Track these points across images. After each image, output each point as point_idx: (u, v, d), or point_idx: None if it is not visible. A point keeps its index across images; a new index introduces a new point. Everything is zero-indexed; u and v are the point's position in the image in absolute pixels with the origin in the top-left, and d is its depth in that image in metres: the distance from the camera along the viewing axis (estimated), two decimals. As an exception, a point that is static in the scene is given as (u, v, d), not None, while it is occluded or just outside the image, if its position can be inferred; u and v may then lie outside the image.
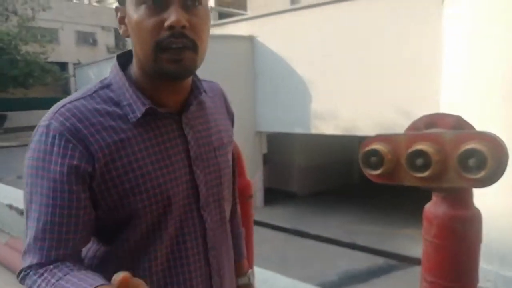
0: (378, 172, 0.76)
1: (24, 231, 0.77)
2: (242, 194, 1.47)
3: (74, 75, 19.35)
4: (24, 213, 0.78)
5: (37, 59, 18.96)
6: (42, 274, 0.71)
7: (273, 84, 8.94)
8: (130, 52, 0.84)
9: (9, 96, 19.87)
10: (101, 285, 0.63)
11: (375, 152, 0.76)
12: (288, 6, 8.46)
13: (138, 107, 0.78)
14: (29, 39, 18.76)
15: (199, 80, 0.88)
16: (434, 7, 6.04)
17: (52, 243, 0.73)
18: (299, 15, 8.20)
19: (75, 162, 0.73)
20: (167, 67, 0.75)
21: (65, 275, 0.69)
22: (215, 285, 0.88)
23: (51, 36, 21.04)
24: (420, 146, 0.71)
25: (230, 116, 1.01)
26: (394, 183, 0.77)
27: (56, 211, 0.72)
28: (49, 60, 19.88)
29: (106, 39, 26.31)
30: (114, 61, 0.84)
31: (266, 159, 10.00)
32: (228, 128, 0.98)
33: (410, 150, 0.72)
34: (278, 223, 8.22)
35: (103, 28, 26.09)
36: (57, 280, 0.68)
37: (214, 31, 10.69)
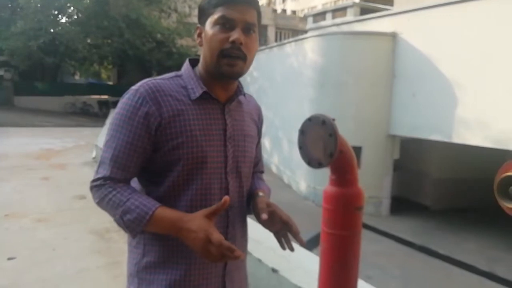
0: (519, 206, 0.55)
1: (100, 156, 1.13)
2: (349, 203, 1.31)
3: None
4: (103, 144, 1.13)
5: (188, 51, 20.95)
6: (115, 188, 1.07)
7: (412, 85, 8.24)
8: (196, 59, 1.22)
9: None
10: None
11: (516, 180, 0.54)
12: (442, 0, 7.59)
13: (197, 90, 1.14)
14: (184, 33, 20.85)
15: (242, 87, 1.24)
16: None
17: (120, 166, 1.08)
18: (454, 10, 7.33)
19: (148, 117, 1.07)
20: (225, 69, 1.10)
21: (133, 191, 1.07)
22: (229, 233, 1.18)
23: (203, 31, 23.14)
24: None
25: (260, 124, 1.36)
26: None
27: (128, 146, 1.08)
28: (199, 53, 21.88)
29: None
30: (186, 61, 1.23)
31: (397, 166, 9.32)
32: (255, 130, 1.30)
33: None
34: (403, 236, 7.59)
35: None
36: (129, 194, 1.06)
37: (355, 27, 10.29)
